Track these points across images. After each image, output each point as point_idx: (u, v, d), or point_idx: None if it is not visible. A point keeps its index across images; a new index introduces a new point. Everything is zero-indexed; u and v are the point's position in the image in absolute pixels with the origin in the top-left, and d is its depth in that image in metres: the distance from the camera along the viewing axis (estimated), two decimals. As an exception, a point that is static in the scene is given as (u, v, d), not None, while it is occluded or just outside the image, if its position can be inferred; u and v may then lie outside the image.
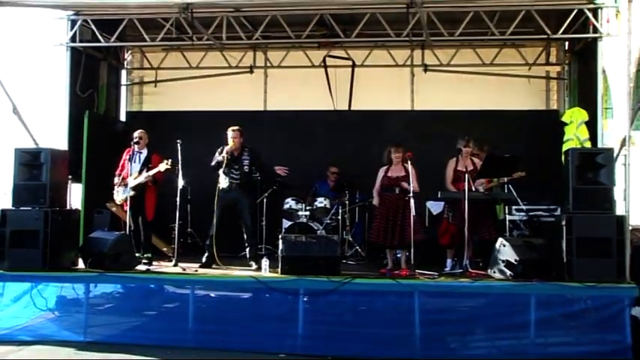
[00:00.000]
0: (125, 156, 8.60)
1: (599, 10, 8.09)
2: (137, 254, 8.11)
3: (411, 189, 7.54)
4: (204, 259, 8.19)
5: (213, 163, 8.35)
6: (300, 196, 9.75)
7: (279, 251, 7.33)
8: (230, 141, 8.28)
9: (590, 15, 8.11)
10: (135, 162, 8.48)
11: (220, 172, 8.33)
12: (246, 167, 8.29)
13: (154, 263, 8.22)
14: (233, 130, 8.34)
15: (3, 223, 7.42)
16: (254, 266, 8.02)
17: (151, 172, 8.22)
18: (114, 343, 6.88)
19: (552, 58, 10.70)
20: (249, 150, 8.39)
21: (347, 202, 9.74)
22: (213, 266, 8.06)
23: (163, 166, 8.07)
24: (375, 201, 8.13)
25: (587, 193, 6.96)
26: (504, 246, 7.16)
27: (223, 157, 8.21)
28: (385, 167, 8.11)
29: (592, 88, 8.33)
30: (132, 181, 8.32)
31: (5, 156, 7.89)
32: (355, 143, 10.58)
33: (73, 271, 7.57)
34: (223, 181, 8.29)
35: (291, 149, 10.56)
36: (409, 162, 7.75)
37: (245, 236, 8.34)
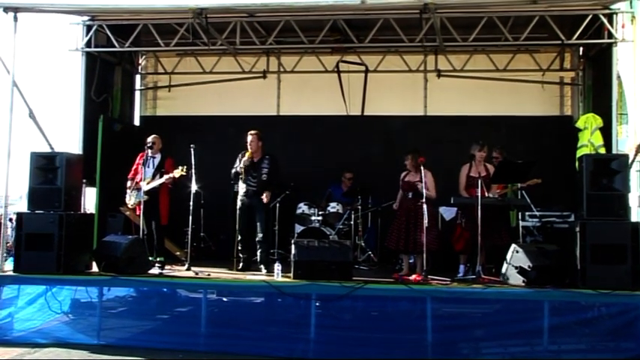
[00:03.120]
0: (138, 160, 8.64)
1: (614, 16, 8.05)
2: (150, 258, 8.13)
3: (424, 193, 7.52)
4: (240, 265, 8.30)
5: (232, 172, 8.41)
6: (312, 200, 9.75)
7: (292, 256, 7.31)
8: (248, 146, 8.31)
9: (605, 20, 8.07)
10: (148, 166, 8.51)
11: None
12: (264, 175, 8.31)
13: (167, 267, 8.21)
14: (251, 135, 8.37)
15: (19, 226, 7.50)
16: (264, 270, 8.03)
17: (165, 178, 8.27)
18: (127, 346, 6.90)
19: (566, 64, 10.62)
20: (269, 158, 8.42)
21: (359, 207, 9.72)
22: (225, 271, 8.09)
23: (178, 173, 8.11)
24: (396, 205, 8.13)
25: (601, 199, 6.89)
26: (518, 252, 7.11)
27: (241, 168, 8.25)
28: (405, 172, 8.16)
29: (606, 93, 8.29)
30: (145, 186, 8.36)
31: (21, 160, 7.97)
32: (368, 148, 10.58)
33: (87, 275, 7.60)
34: (241, 188, 8.37)
35: (304, 154, 10.59)
36: (422, 167, 7.71)
37: (256, 242, 8.34)
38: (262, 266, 8.16)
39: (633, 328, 6.57)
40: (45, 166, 7.62)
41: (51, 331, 7.22)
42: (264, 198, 8.32)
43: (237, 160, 8.40)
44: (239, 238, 8.38)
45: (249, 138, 8.35)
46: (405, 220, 7.94)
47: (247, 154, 8.26)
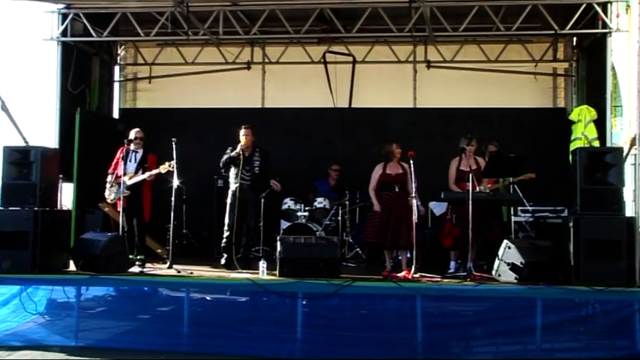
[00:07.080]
0: (119, 154, 8.42)
1: (609, 5, 8.08)
2: (130, 256, 7.96)
3: (413, 189, 7.39)
4: (222, 261, 8.18)
5: (224, 158, 8.24)
6: (299, 195, 9.64)
7: (278, 253, 7.22)
8: (242, 139, 8.19)
9: (599, 10, 8.08)
10: (130, 161, 8.30)
11: (231, 172, 8.30)
12: (256, 169, 8.27)
13: (148, 265, 8.08)
14: (245, 128, 8.27)
15: (-9, 224, 7.34)
16: (245, 267, 7.93)
17: (152, 173, 8.06)
18: (106, 347, 6.79)
19: (560, 55, 10.59)
20: (260, 151, 8.36)
21: (347, 202, 9.63)
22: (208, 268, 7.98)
23: (164, 169, 7.92)
24: (375, 205, 7.93)
25: (595, 193, 6.83)
26: (510, 248, 7.04)
27: (238, 153, 8.11)
28: (382, 164, 7.98)
29: (601, 85, 8.29)
30: (128, 181, 8.14)
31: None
32: (356, 142, 10.52)
33: (64, 274, 7.45)
34: (233, 183, 8.25)
35: (289, 148, 10.53)
36: (411, 161, 7.54)
37: (244, 237, 8.24)
38: (243, 263, 8.04)
39: (628, 326, 6.53)
40: (19, 160, 7.44)
41: (26, 334, 7.06)
42: (274, 185, 8.39)
43: (228, 151, 8.28)
44: (227, 234, 8.21)
45: (243, 132, 8.23)
46: (387, 214, 7.78)
47: (240, 146, 8.12)
